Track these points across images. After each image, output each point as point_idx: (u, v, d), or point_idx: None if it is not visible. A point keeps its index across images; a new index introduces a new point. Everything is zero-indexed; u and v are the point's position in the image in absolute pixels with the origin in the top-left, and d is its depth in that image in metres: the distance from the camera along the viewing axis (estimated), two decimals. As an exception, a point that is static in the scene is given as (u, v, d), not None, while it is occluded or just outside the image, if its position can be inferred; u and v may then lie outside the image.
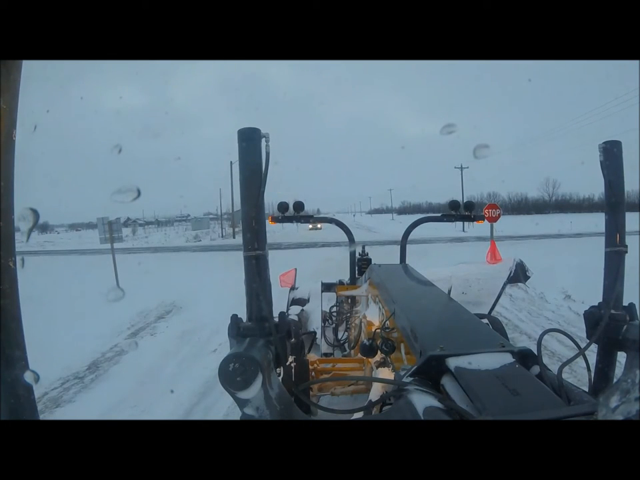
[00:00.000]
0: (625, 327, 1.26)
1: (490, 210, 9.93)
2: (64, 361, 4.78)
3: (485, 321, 1.79)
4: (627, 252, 1.31)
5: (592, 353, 1.22)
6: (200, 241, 28.13)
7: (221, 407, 3.47)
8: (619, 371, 1.32)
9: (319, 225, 27.31)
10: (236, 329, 1.08)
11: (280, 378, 1.06)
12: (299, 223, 3.33)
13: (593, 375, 1.22)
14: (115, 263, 8.42)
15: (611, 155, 1.30)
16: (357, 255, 3.75)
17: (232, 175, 25.75)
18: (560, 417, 0.64)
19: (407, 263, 2.98)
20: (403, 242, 3.25)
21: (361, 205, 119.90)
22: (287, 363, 1.14)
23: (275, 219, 3.13)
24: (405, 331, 1.33)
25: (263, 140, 1.10)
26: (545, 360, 1.09)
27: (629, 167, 1.28)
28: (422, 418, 0.75)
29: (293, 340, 1.20)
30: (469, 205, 2.89)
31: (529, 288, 7.65)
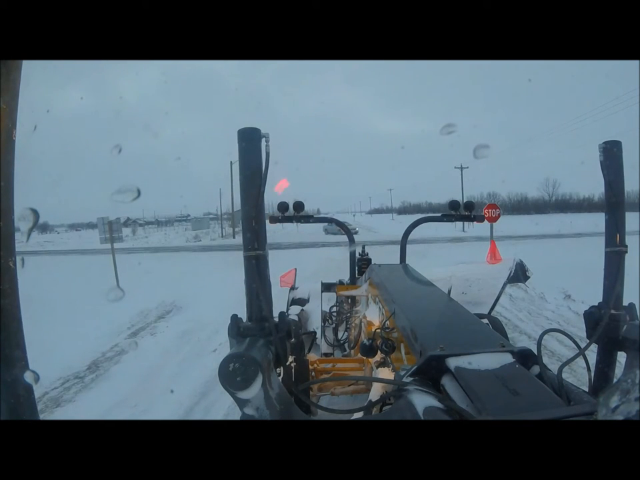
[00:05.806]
0: (625, 326, 1.26)
1: (490, 210, 9.91)
2: (64, 361, 4.78)
3: (485, 320, 1.79)
4: (626, 252, 1.31)
5: (592, 353, 1.22)
6: (200, 241, 28.06)
7: (221, 407, 3.47)
8: (619, 371, 1.32)
9: (336, 228, 24.99)
10: (236, 328, 1.08)
11: (280, 378, 1.06)
12: (299, 223, 3.31)
13: (592, 375, 1.22)
14: (115, 262, 8.40)
15: (611, 155, 1.30)
16: (357, 254, 3.74)
17: (232, 175, 25.68)
18: (560, 416, 0.64)
19: (406, 262, 2.98)
20: (403, 242, 3.25)
21: (361, 204, 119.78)
22: (287, 363, 1.14)
23: (275, 219, 3.09)
24: (404, 331, 1.33)
25: (263, 140, 1.10)
26: (545, 360, 1.08)
27: (629, 166, 1.28)
28: (422, 418, 0.75)
29: (293, 340, 1.20)
30: (469, 205, 2.89)
31: (528, 288, 7.65)
